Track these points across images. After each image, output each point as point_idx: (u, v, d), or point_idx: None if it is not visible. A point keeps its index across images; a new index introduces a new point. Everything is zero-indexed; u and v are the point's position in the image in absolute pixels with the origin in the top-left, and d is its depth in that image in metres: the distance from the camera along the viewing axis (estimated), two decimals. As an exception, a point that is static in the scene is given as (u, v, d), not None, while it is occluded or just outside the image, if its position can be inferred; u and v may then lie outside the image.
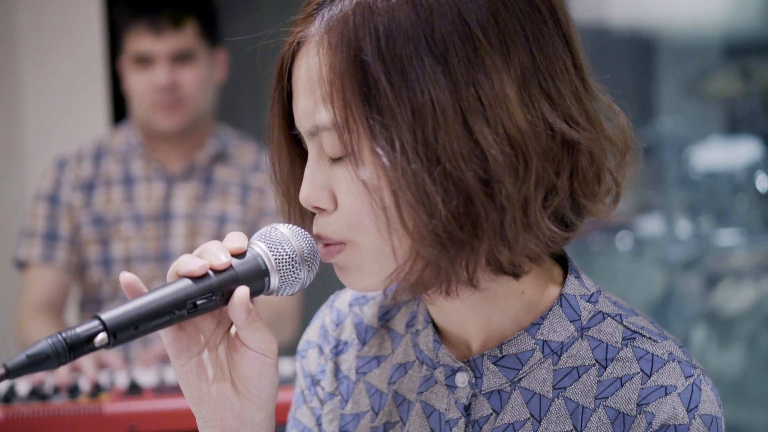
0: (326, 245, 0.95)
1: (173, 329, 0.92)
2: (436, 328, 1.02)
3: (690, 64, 4.32)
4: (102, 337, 0.84)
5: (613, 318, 0.98)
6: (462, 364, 0.99)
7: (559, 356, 0.97)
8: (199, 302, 0.89)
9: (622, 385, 0.94)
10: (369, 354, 1.08)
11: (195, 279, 0.89)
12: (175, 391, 1.88)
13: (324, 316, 1.13)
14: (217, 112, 2.58)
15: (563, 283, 0.99)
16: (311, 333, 1.14)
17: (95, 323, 0.84)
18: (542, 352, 0.97)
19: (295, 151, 0.99)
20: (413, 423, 1.02)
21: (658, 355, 0.95)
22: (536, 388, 0.97)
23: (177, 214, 2.46)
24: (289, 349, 1.85)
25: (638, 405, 0.93)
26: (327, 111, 0.90)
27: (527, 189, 0.89)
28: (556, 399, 0.96)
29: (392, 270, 0.92)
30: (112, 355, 2.09)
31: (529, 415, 0.96)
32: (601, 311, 0.99)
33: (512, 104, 0.88)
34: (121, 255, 2.45)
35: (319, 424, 1.09)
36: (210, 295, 0.89)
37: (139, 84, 2.42)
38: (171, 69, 2.39)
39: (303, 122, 0.94)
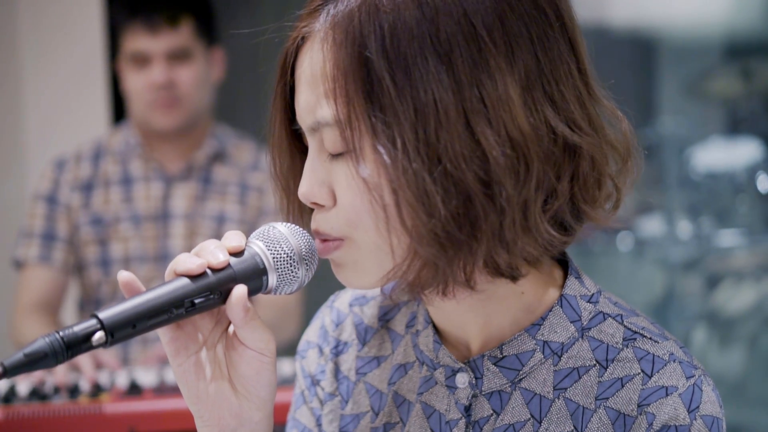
0: (324, 241, 0.94)
1: (171, 328, 0.92)
2: (436, 329, 1.02)
3: (691, 64, 4.32)
4: (100, 335, 0.84)
5: (613, 318, 0.98)
6: (462, 365, 0.99)
7: (560, 357, 0.97)
8: (197, 301, 0.89)
9: (622, 386, 0.94)
10: (369, 354, 1.08)
11: (193, 278, 0.89)
12: (174, 391, 1.88)
13: (324, 317, 1.13)
14: (215, 112, 2.59)
15: (563, 284, 0.99)
16: (311, 333, 1.13)
17: (93, 322, 0.84)
18: (543, 353, 0.97)
19: (296, 146, 0.99)
20: (413, 424, 1.01)
21: (658, 356, 0.95)
22: (537, 389, 0.97)
23: (176, 214, 2.46)
24: (289, 350, 1.85)
25: (639, 405, 0.93)
26: (329, 107, 0.90)
27: (527, 192, 0.88)
28: (556, 400, 0.96)
29: (390, 268, 0.92)
30: (109, 355, 2.09)
31: (529, 416, 0.96)
32: (601, 312, 0.99)
33: (515, 106, 0.88)
34: (120, 255, 2.45)
35: (319, 425, 1.09)
36: (208, 294, 0.89)
37: (136, 83, 2.42)
38: (168, 67, 2.39)
39: (304, 117, 0.94)
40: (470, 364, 0.98)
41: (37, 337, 0.83)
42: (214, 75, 2.52)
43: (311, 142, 0.94)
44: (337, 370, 1.09)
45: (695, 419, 0.92)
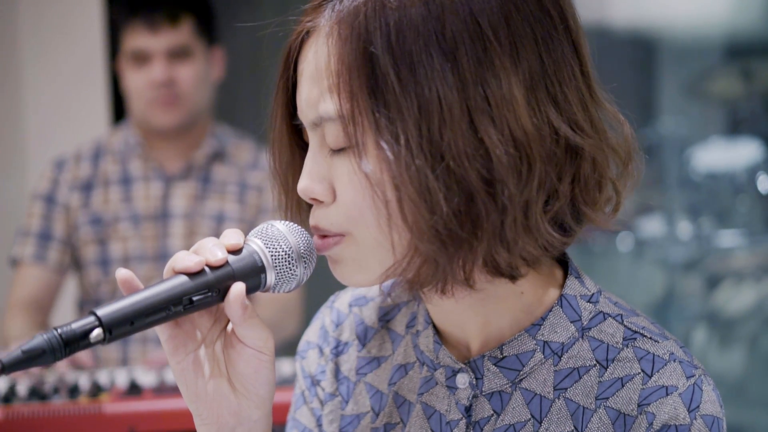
0: (322, 237, 0.94)
1: (170, 326, 0.92)
2: (436, 329, 1.02)
3: (691, 64, 4.32)
4: (98, 332, 0.84)
5: (613, 318, 0.98)
6: (463, 365, 0.98)
7: (560, 357, 0.97)
8: (195, 298, 0.89)
9: (622, 386, 0.94)
10: (369, 355, 1.08)
11: (191, 275, 0.89)
12: (174, 391, 1.88)
13: (324, 317, 1.13)
14: (215, 112, 2.59)
15: (563, 284, 0.99)
16: (311, 334, 1.13)
17: (91, 319, 0.84)
18: (543, 353, 0.97)
19: (296, 142, 0.99)
20: (414, 424, 1.01)
21: (659, 356, 0.94)
22: (537, 389, 0.96)
23: (175, 213, 2.47)
24: (289, 350, 1.85)
25: (639, 405, 0.93)
26: (333, 101, 0.90)
27: (529, 191, 0.88)
28: (556, 400, 0.96)
29: (387, 265, 0.91)
30: (83, 354, 2.09)
31: (529, 416, 0.96)
32: (601, 311, 0.99)
33: (519, 106, 0.88)
34: (119, 255, 2.45)
35: (319, 425, 1.09)
36: (206, 292, 0.89)
37: (136, 81, 2.42)
38: (168, 65, 2.40)
39: (306, 112, 0.93)
40: (470, 364, 0.98)
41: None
42: (214, 74, 2.52)
43: (312, 137, 0.94)
44: (337, 371, 1.09)
45: (695, 419, 0.92)
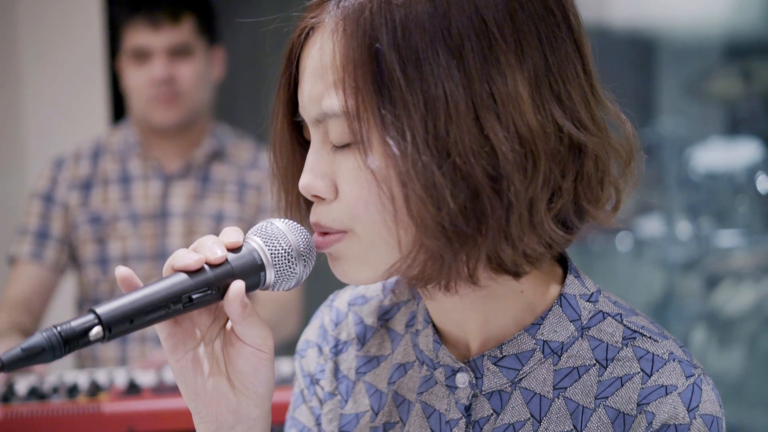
0: (323, 234, 0.94)
1: (169, 324, 0.91)
2: (436, 329, 1.02)
3: (691, 64, 4.32)
4: (97, 330, 0.84)
5: (613, 317, 0.98)
6: (462, 365, 0.98)
7: (560, 356, 0.97)
8: (194, 296, 0.88)
9: (622, 385, 0.94)
10: (369, 354, 1.07)
11: (190, 273, 0.89)
12: (173, 391, 1.88)
13: (323, 316, 1.13)
14: (214, 111, 2.59)
15: (563, 283, 0.99)
16: (310, 332, 1.13)
17: (90, 317, 0.84)
18: (542, 353, 0.97)
19: (297, 139, 0.99)
20: (413, 423, 1.01)
21: (658, 355, 0.94)
22: (536, 389, 0.96)
23: (174, 212, 2.47)
24: (288, 349, 1.85)
25: (638, 405, 0.93)
26: (338, 97, 0.90)
27: (534, 188, 0.89)
28: (556, 399, 0.96)
29: (390, 262, 0.91)
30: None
31: (529, 416, 0.96)
32: (601, 311, 0.98)
33: (524, 103, 0.88)
34: (118, 254, 2.45)
35: (318, 424, 1.08)
36: (205, 290, 0.89)
37: (137, 79, 2.43)
38: (168, 63, 2.40)
39: (309, 108, 0.93)
40: (470, 363, 0.98)
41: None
42: (214, 73, 2.53)
43: (314, 133, 0.94)
44: (336, 370, 1.08)
45: (695, 418, 0.91)
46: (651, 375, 0.93)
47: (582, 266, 1.02)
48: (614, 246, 3.86)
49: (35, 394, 1.86)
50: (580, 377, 0.96)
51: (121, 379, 1.98)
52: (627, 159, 0.96)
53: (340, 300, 1.12)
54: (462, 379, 0.98)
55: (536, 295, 0.98)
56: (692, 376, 0.93)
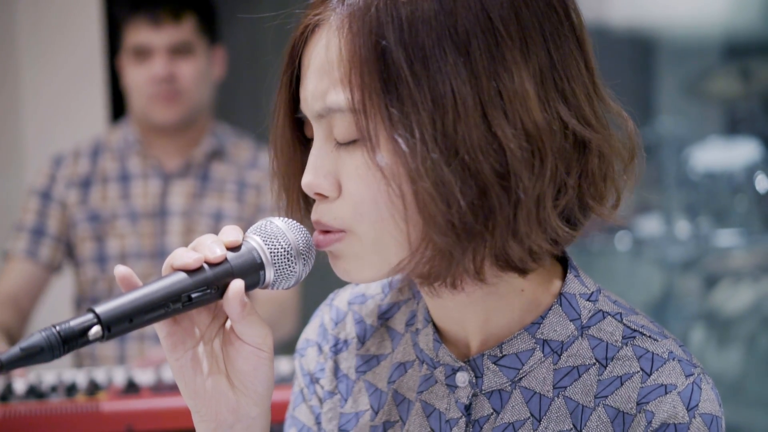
0: (324, 232, 0.94)
1: (168, 323, 0.91)
2: (436, 328, 1.02)
3: (690, 64, 4.32)
4: (96, 330, 0.84)
5: (613, 317, 0.98)
6: (462, 364, 0.98)
7: (559, 355, 0.97)
8: (194, 295, 0.88)
9: (621, 384, 0.94)
10: (368, 353, 1.07)
11: (190, 272, 0.89)
12: (172, 389, 1.88)
13: (323, 315, 1.13)
14: (214, 111, 2.59)
15: (563, 282, 0.99)
16: (310, 331, 1.13)
17: (89, 316, 0.84)
18: (542, 352, 0.97)
19: (298, 137, 0.99)
20: (413, 422, 1.01)
21: (658, 354, 0.94)
22: (536, 388, 0.96)
23: (173, 211, 2.47)
24: (288, 348, 1.85)
25: (638, 404, 0.93)
26: (344, 93, 0.89)
27: (541, 185, 0.89)
28: (556, 398, 0.96)
29: (396, 259, 0.91)
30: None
31: (529, 415, 0.96)
32: (601, 310, 0.98)
33: (531, 100, 0.88)
34: (117, 252, 2.45)
35: (318, 423, 1.08)
36: (205, 289, 0.89)
37: (137, 77, 2.43)
38: (169, 61, 2.41)
39: (312, 103, 0.93)
40: (470, 363, 0.98)
41: None
42: (214, 73, 2.53)
43: (317, 129, 0.94)
44: (336, 369, 1.08)
45: (694, 417, 0.91)
46: (651, 374, 0.93)
47: (581, 265, 1.02)
48: (613, 245, 3.87)
49: (34, 392, 1.86)
50: (579, 376, 0.96)
51: (119, 377, 1.98)
52: (629, 156, 0.96)
53: (340, 299, 1.12)
54: (462, 378, 0.98)
55: (536, 294, 0.98)
56: (692, 375, 0.93)
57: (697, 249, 3.86)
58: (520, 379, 0.97)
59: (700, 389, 0.93)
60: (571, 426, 0.94)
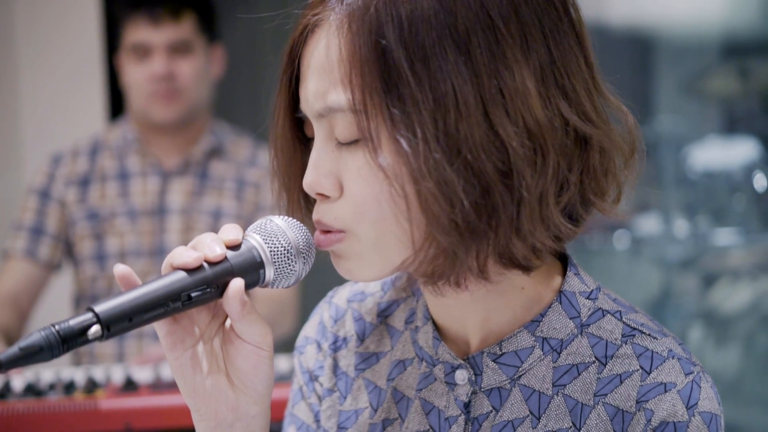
0: (325, 232, 0.94)
1: (168, 322, 0.91)
2: (435, 325, 1.02)
3: (688, 63, 4.32)
4: (96, 329, 0.83)
5: (612, 315, 0.98)
6: (462, 362, 0.98)
7: (559, 353, 0.97)
8: (193, 294, 0.88)
9: (621, 382, 0.94)
10: (368, 350, 1.07)
11: (189, 271, 0.88)
12: (171, 387, 1.88)
13: (322, 312, 1.13)
14: (213, 109, 2.59)
15: (563, 280, 0.99)
16: (309, 329, 1.13)
17: (89, 315, 0.84)
18: (542, 350, 0.97)
19: (298, 137, 0.99)
20: (412, 420, 1.01)
21: (657, 352, 0.94)
22: (536, 386, 0.96)
23: (172, 209, 2.47)
24: (287, 346, 1.85)
25: (637, 402, 0.93)
26: (345, 93, 0.89)
27: (544, 183, 0.89)
28: (555, 396, 0.96)
29: (398, 259, 0.91)
30: None
31: (528, 413, 0.96)
32: (600, 308, 0.98)
33: (532, 98, 0.88)
34: (116, 250, 2.45)
35: (317, 420, 1.08)
36: (204, 288, 0.89)
37: (136, 75, 2.43)
38: (168, 59, 2.41)
39: (313, 102, 0.93)
40: (469, 360, 0.98)
41: None
42: (213, 71, 2.54)
43: (318, 129, 0.94)
44: (335, 366, 1.08)
45: (693, 416, 0.91)
46: (650, 372, 0.93)
47: (580, 264, 1.02)
48: (612, 244, 3.87)
49: (32, 390, 1.86)
50: (579, 374, 0.96)
51: (118, 375, 1.98)
52: (630, 150, 0.96)
53: (339, 296, 1.12)
54: (461, 376, 0.98)
55: (537, 292, 0.98)
56: (691, 373, 0.93)
57: (696, 248, 3.86)
58: (520, 376, 0.97)
59: (700, 387, 0.93)
60: (571, 424, 0.94)
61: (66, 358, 2.47)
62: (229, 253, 0.91)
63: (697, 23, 4.43)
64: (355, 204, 0.91)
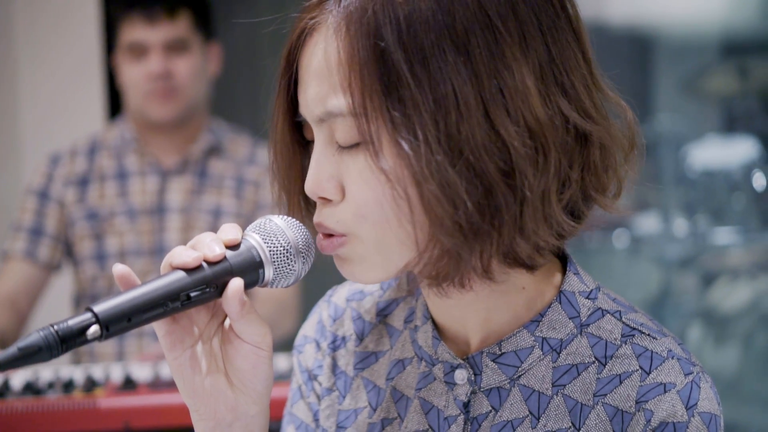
0: (327, 236, 0.94)
1: (167, 321, 0.91)
2: (435, 325, 1.02)
3: (687, 62, 4.32)
4: (95, 329, 0.83)
5: (612, 315, 0.98)
6: (461, 361, 0.98)
7: (558, 353, 0.96)
8: (192, 294, 0.88)
9: (621, 383, 0.94)
10: (367, 349, 1.07)
11: (189, 271, 0.88)
12: (170, 386, 1.88)
13: (321, 311, 1.12)
14: (211, 107, 2.59)
15: (563, 280, 0.99)
16: (308, 328, 1.13)
17: (88, 315, 0.84)
18: (541, 350, 0.96)
19: (298, 140, 0.98)
20: (411, 419, 1.01)
21: (657, 353, 0.94)
22: (535, 386, 0.96)
23: (171, 207, 2.47)
24: (286, 345, 1.85)
25: (637, 402, 0.93)
26: (345, 98, 0.89)
27: (546, 181, 0.89)
28: (555, 396, 0.96)
29: (402, 261, 0.91)
30: None
31: (527, 413, 0.96)
32: (600, 308, 0.98)
33: (532, 96, 0.88)
34: (116, 249, 2.45)
35: (316, 420, 1.08)
36: (204, 287, 0.89)
37: (133, 74, 2.43)
38: (165, 57, 2.41)
39: (312, 107, 0.92)
40: (469, 360, 0.98)
41: None
42: (210, 69, 2.53)
43: (318, 134, 0.93)
44: (334, 365, 1.08)
45: (693, 416, 0.91)
46: (650, 372, 0.93)
47: (579, 263, 1.02)
48: (611, 243, 3.86)
49: (31, 389, 1.86)
50: (579, 374, 0.96)
51: (117, 374, 1.98)
52: (629, 145, 0.96)
53: (338, 295, 1.12)
54: (461, 375, 0.98)
55: (537, 292, 0.98)
56: (691, 373, 0.93)
57: (695, 247, 3.86)
58: (519, 376, 0.97)
59: (699, 388, 0.93)
60: (570, 424, 0.94)
61: (65, 357, 2.47)
62: (229, 253, 0.91)
63: (697, 22, 4.43)
64: (356, 207, 0.91)
